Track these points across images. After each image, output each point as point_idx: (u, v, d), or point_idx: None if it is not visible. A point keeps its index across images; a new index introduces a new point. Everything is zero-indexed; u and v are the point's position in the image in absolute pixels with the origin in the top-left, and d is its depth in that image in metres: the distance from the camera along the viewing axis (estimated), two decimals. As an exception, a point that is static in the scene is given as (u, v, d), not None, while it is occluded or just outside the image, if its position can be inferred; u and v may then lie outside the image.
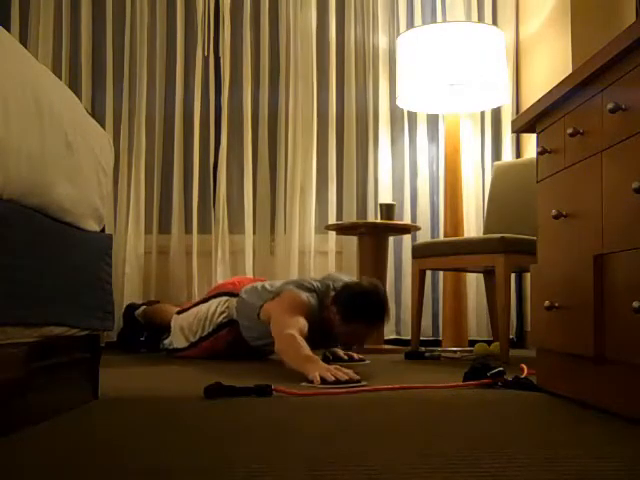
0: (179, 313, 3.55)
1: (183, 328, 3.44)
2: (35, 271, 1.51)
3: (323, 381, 2.28)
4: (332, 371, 2.33)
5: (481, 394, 2.13)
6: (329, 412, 1.78)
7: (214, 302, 3.41)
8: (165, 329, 3.60)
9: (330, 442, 1.40)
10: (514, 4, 4.56)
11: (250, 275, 4.32)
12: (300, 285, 3.08)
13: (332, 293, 3.06)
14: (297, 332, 2.69)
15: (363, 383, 2.32)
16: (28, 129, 1.46)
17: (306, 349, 2.54)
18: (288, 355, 2.57)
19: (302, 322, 2.82)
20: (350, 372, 2.34)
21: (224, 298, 3.39)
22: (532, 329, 2.23)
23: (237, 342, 3.31)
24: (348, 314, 2.91)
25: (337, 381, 2.27)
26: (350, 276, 3.43)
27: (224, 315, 3.33)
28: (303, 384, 2.32)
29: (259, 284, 3.34)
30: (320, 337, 3.04)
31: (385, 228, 4.05)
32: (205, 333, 3.37)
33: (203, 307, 3.42)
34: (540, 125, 2.26)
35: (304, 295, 3.00)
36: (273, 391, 2.09)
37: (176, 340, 3.48)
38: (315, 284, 3.11)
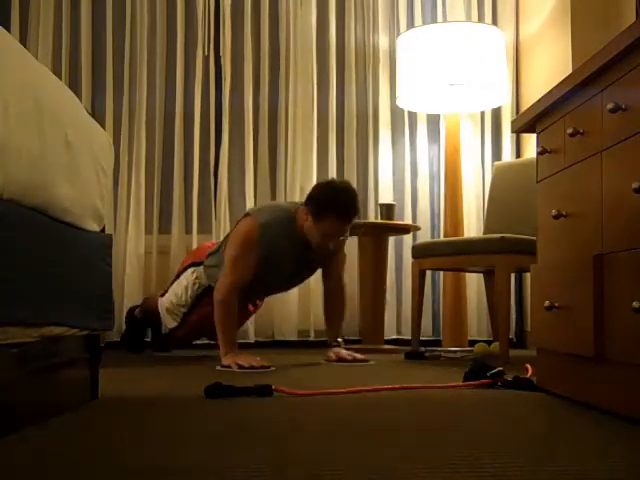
0: (162, 296, 3.63)
1: (168, 308, 3.53)
2: (35, 271, 1.51)
3: (240, 367, 2.78)
4: (245, 358, 2.83)
5: (481, 394, 2.13)
6: (329, 412, 1.78)
7: (183, 277, 3.49)
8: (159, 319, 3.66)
9: (330, 442, 1.40)
10: (514, 4, 4.56)
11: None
12: (259, 209, 3.19)
13: (300, 203, 3.16)
14: (239, 284, 2.99)
15: (272, 369, 2.82)
16: (28, 129, 1.46)
17: (232, 333, 2.97)
18: (219, 331, 2.97)
19: (246, 266, 3.00)
20: (260, 359, 2.84)
21: (190, 270, 3.46)
22: (532, 329, 2.23)
23: None
24: (318, 209, 2.99)
25: (252, 367, 2.78)
26: None
27: (197, 286, 3.38)
28: (218, 368, 2.86)
29: (221, 239, 3.44)
30: (297, 250, 3.11)
31: (385, 228, 4.05)
32: (187, 308, 3.45)
33: (177, 284, 3.51)
34: (540, 125, 2.26)
35: (257, 218, 3.06)
36: (273, 391, 2.09)
37: (167, 322, 3.55)
38: (280, 203, 3.25)
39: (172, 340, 3.60)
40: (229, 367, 2.84)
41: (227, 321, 3.00)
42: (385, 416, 1.72)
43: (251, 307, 3.66)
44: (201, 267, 3.41)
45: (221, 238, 4.32)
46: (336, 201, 2.99)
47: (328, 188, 3.04)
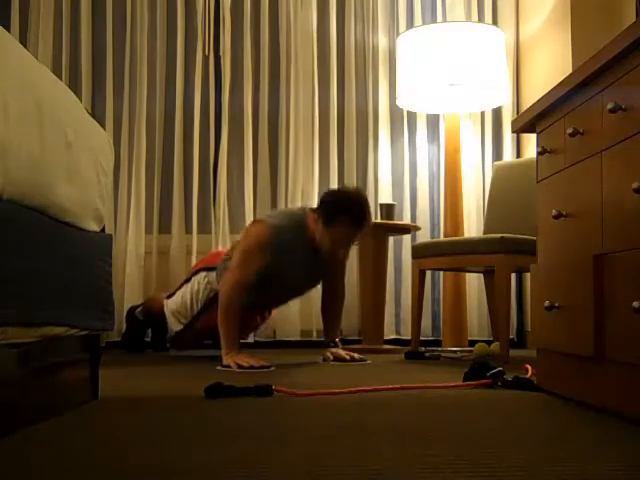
0: (168, 297, 3.58)
1: (174, 312, 3.50)
2: (35, 271, 1.51)
3: (240, 367, 2.82)
4: (245, 359, 2.86)
5: (481, 394, 2.13)
6: (329, 412, 1.78)
7: (195, 280, 3.45)
8: (164, 320, 3.63)
9: (330, 442, 1.40)
10: (514, 4, 4.56)
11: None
12: (272, 213, 3.18)
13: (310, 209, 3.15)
14: (243, 285, 3.00)
15: (272, 369, 2.85)
16: (28, 129, 1.46)
17: (233, 333, 2.98)
18: (221, 329, 3.00)
19: (252, 268, 3.01)
20: (260, 360, 2.87)
21: (203, 274, 3.43)
22: (532, 329, 2.23)
23: None
24: (330, 214, 2.98)
25: (252, 367, 2.81)
26: None
27: (207, 291, 3.36)
28: (218, 367, 2.89)
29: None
30: (306, 256, 3.09)
31: (385, 228, 4.05)
32: (195, 312, 3.42)
33: (187, 288, 3.47)
34: (540, 125, 2.26)
35: (269, 221, 3.06)
36: (273, 391, 2.09)
37: (173, 325, 3.52)
38: (291, 208, 3.23)
39: (176, 343, 3.58)
40: (229, 367, 2.87)
41: (229, 321, 3.00)
42: (385, 416, 1.72)
43: (259, 318, 3.64)
44: (213, 272, 3.38)
45: (220, 238, 4.35)
46: (348, 207, 2.98)
47: (340, 194, 3.03)
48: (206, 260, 3.56)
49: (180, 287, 3.54)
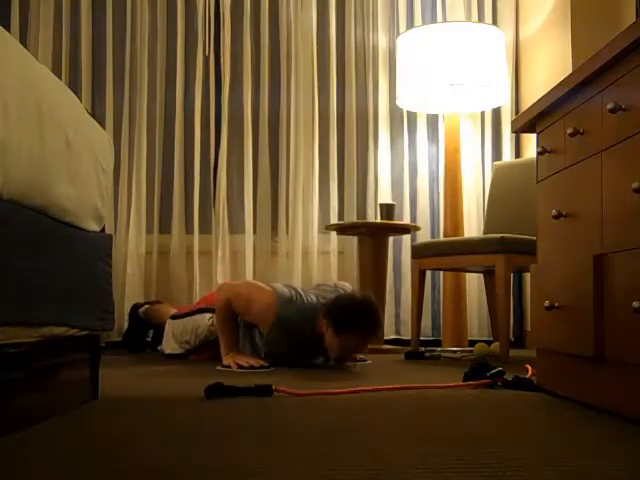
0: (173, 318, 3.55)
1: (175, 335, 3.48)
2: (35, 271, 1.51)
3: (240, 366, 2.84)
4: (245, 358, 2.89)
5: (481, 394, 2.13)
6: (329, 412, 1.78)
7: (200, 318, 3.39)
8: (161, 330, 3.63)
9: (330, 442, 1.40)
10: (514, 4, 4.56)
11: (250, 276, 4.31)
12: (285, 297, 2.99)
13: (322, 311, 2.98)
14: (230, 299, 3.00)
15: (271, 368, 2.87)
16: (28, 129, 1.46)
17: (232, 335, 3.02)
18: (219, 331, 3.04)
19: (246, 303, 2.99)
20: (259, 360, 2.90)
21: (208, 315, 3.35)
22: (532, 329, 2.23)
23: None
24: (341, 325, 2.86)
25: (251, 366, 2.83)
26: (346, 284, 3.40)
27: (209, 333, 3.32)
28: (218, 367, 2.91)
29: None
30: (311, 345, 3.03)
31: (385, 228, 4.05)
32: (191, 347, 3.41)
33: (192, 320, 3.42)
34: (540, 125, 2.26)
35: (279, 307, 2.95)
36: (273, 391, 2.09)
37: (168, 345, 3.51)
38: (304, 298, 3.02)
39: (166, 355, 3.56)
40: (229, 367, 2.88)
41: (226, 321, 3.03)
42: (385, 416, 1.72)
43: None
44: None
45: (220, 238, 4.35)
46: (360, 320, 2.87)
47: (351, 305, 2.90)
48: (213, 299, 3.39)
49: (186, 315, 3.49)
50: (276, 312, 2.95)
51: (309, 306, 3.01)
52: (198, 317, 3.41)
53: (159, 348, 3.65)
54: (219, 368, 2.90)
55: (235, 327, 3.05)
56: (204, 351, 3.37)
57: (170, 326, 3.53)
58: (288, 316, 2.96)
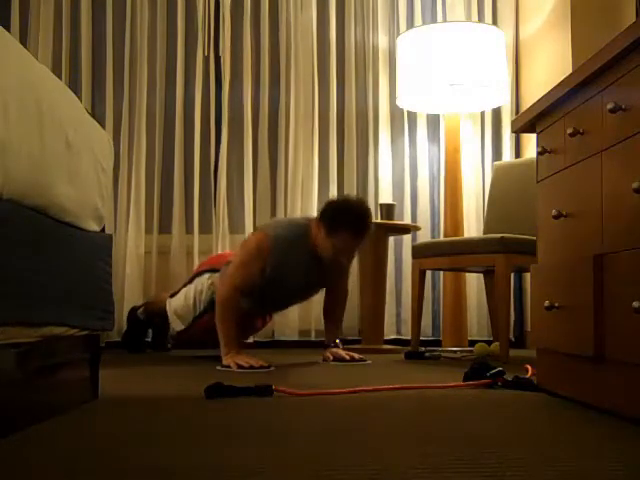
0: (171, 296, 3.58)
1: (177, 311, 3.49)
2: (35, 271, 1.51)
3: (240, 367, 2.83)
4: (245, 358, 2.87)
5: (481, 394, 2.13)
6: (329, 412, 1.78)
7: (199, 281, 3.44)
8: (165, 319, 3.63)
9: (330, 442, 1.40)
10: (514, 4, 4.56)
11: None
12: (274, 223, 3.17)
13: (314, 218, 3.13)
14: (239, 288, 3.01)
15: (271, 368, 2.85)
16: (28, 129, 1.46)
17: (232, 333, 2.99)
18: (219, 330, 3.01)
19: (249, 273, 3.02)
20: (259, 360, 2.87)
21: (207, 275, 3.42)
22: (532, 329, 2.23)
23: None
24: (332, 224, 2.98)
25: (251, 367, 2.82)
26: None
27: (211, 292, 3.35)
28: (218, 367, 2.90)
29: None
30: (308, 263, 3.09)
31: (385, 228, 4.05)
32: (198, 312, 3.41)
33: (190, 287, 3.46)
34: (540, 125, 2.26)
35: (269, 231, 3.06)
36: (273, 391, 2.09)
37: (175, 324, 3.52)
38: (294, 218, 3.23)
39: (177, 341, 3.60)
40: (229, 367, 2.87)
41: (227, 321, 3.01)
42: (385, 416, 1.72)
43: (259, 323, 3.64)
44: (217, 274, 3.36)
45: (220, 238, 4.35)
46: (350, 217, 2.99)
47: (342, 204, 3.04)
48: (211, 261, 3.55)
49: (183, 287, 3.54)
50: (270, 239, 3.03)
51: (296, 222, 3.17)
52: (196, 282, 3.44)
53: (170, 332, 3.62)
54: (219, 368, 2.89)
55: (235, 325, 3.03)
56: (211, 316, 3.30)
57: (170, 305, 3.54)
58: (280, 234, 3.06)
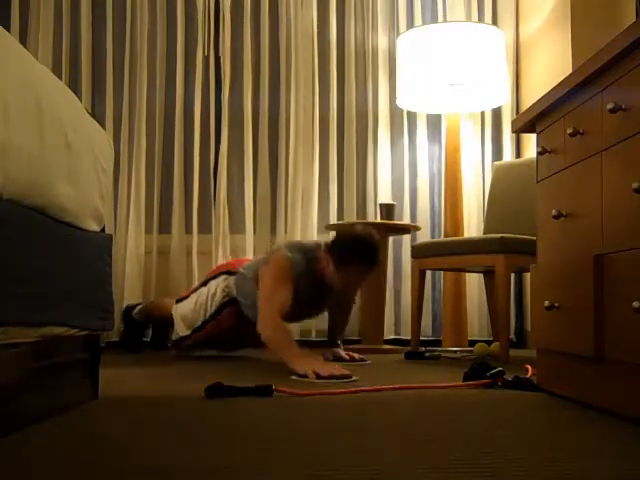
0: (178, 302, 3.53)
1: (185, 316, 3.42)
2: (35, 271, 1.51)
3: (318, 376, 2.47)
4: (324, 367, 2.53)
5: (481, 394, 2.13)
6: (329, 412, 1.78)
7: (213, 283, 3.39)
8: (167, 323, 3.60)
9: (330, 442, 1.40)
10: (514, 4, 4.56)
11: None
12: (289, 245, 3.14)
13: (323, 247, 3.09)
14: (280, 311, 2.82)
15: (354, 378, 2.48)
16: (28, 129, 1.46)
17: (294, 344, 2.72)
18: (278, 345, 2.73)
19: (285, 295, 2.88)
20: (341, 368, 2.53)
21: (222, 277, 3.37)
22: (532, 329, 2.23)
23: (240, 324, 3.29)
24: (343, 258, 2.96)
25: (332, 376, 2.46)
26: None
27: (225, 294, 3.32)
28: (293, 377, 2.53)
29: (258, 257, 3.36)
30: (314, 290, 3.08)
31: (385, 228, 4.05)
32: (208, 316, 3.35)
33: (203, 291, 3.41)
34: (540, 125, 2.26)
35: (287, 252, 3.03)
36: (273, 391, 2.09)
37: (179, 329, 3.45)
38: (306, 243, 3.17)
39: (178, 345, 3.54)
40: (305, 376, 2.52)
41: (285, 342, 2.76)
42: (385, 416, 1.72)
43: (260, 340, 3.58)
44: (233, 277, 3.33)
45: (221, 238, 4.35)
46: (362, 252, 2.95)
47: (353, 238, 2.98)
48: (229, 264, 3.49)
49: (195, 291, 3.48)
50: (290, 261, 2.98)
51: (308, 247, 3.11)
52: (211, 285, 3.38)
53: (171, 337, 3.59)
54: (294, 378, 2.53)
55: (292, 339, 2.81)
56: (226, 318, 3.30)
57: (177, 310, 3.48)
58: (296, 258, 3.01)
